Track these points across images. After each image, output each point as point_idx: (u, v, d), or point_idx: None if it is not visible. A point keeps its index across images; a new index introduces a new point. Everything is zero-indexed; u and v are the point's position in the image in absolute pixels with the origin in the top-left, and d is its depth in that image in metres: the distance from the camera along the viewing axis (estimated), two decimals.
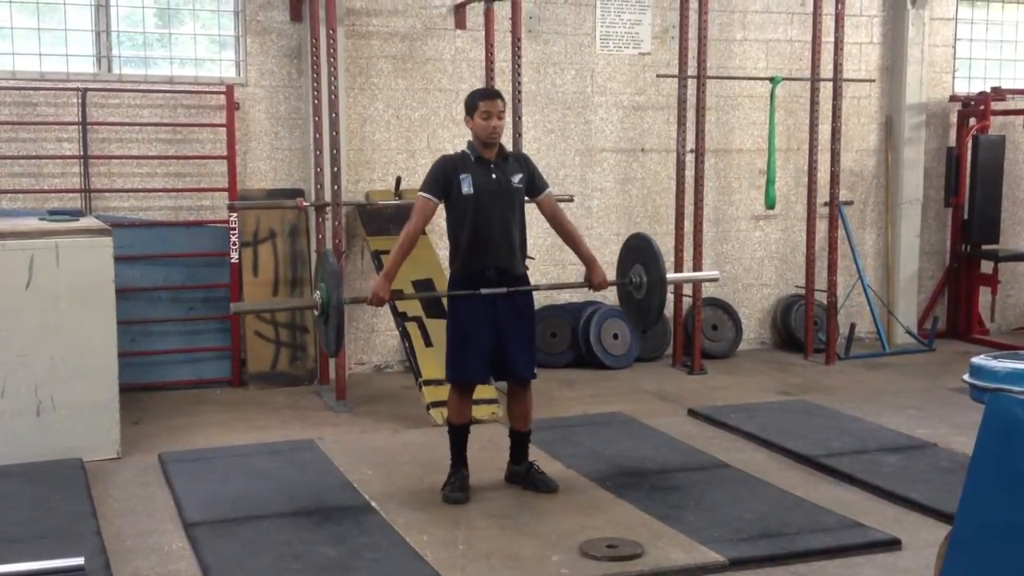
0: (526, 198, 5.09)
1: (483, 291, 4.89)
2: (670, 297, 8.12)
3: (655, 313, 5.24)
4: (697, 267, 7.85)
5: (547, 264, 8.01)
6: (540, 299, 7.79)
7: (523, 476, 5.14)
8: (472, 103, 4.95)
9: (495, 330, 4.93)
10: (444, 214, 5.06)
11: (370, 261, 7.34)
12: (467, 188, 4.87)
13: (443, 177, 4.92)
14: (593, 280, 5.18)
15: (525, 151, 7.16)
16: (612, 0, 8.15)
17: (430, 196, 4.90)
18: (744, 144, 8.60)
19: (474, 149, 4.96)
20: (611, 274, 5.41)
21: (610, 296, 8.32)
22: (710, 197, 8.27)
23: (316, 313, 4.92)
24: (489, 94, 5.04)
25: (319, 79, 6.86)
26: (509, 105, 7.15)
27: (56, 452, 5.40)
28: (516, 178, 4.98)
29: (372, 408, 6.75)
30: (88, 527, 4.52)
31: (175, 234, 7.26)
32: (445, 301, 5.26)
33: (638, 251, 5.27)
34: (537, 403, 5.58)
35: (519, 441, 5.19)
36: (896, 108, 8.93)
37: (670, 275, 5.23)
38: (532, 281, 5.26)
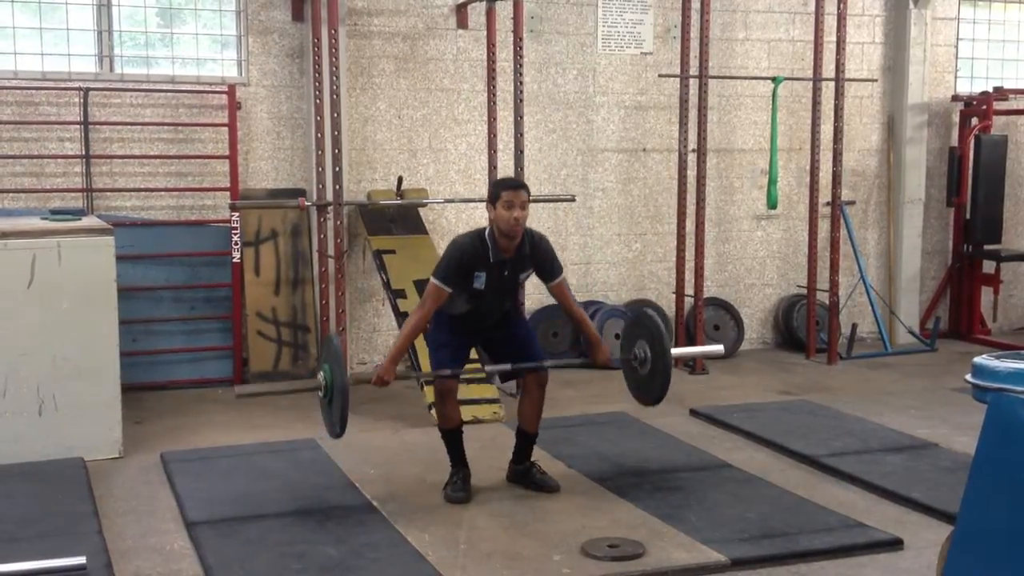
0: (540, 279, 5.12)
1: (487, 368, 5.11)
2: (672, 297, 8.13)
3: (659, 389, 5.13)
4: (699, 268, 7.84)
5: (544, 292, 7.99)
6: (541, 299, 7.79)
7: (525, 476, 5.14)
8: (495, 192, 4.82)
9: (490, 345, 5.10)
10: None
11: (371, 261, 7.34)
12: (479, 285, 4.87)
13: (462, 271, 4.84)
14: (597, 359, 5.19)
15: (526, 151, 7.16)
16: (614, 0, 8.15)
17: (444, 287, 4.82)
18: (746, 144, 8.60)
19: (494, 241, 4.85)
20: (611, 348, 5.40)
21: (611, 295, 8.34)
22: (712, 197, 8.26)
23: (320, 395, 4.87)
24: (513, 184, 4.91)
25: (321, 79, 6.86)
26: (511, 106, 7.18)
27: (58, 451, 5.41)
28: (523, 275, 5.03)
29: (373, 407, 6.74)
30: (90, 526, 4.53)
31: (177, 234, 7.26)
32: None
33: (643, 328, 5.19)
34: None
35: (525, 442, 5.18)
36: (898, 108, 8.93)
37: (674, 350, 5.21)
38: (533, 281, 5.28)
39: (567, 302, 5.17)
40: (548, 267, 5.04)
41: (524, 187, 4.89)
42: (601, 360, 5.18)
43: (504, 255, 4.86)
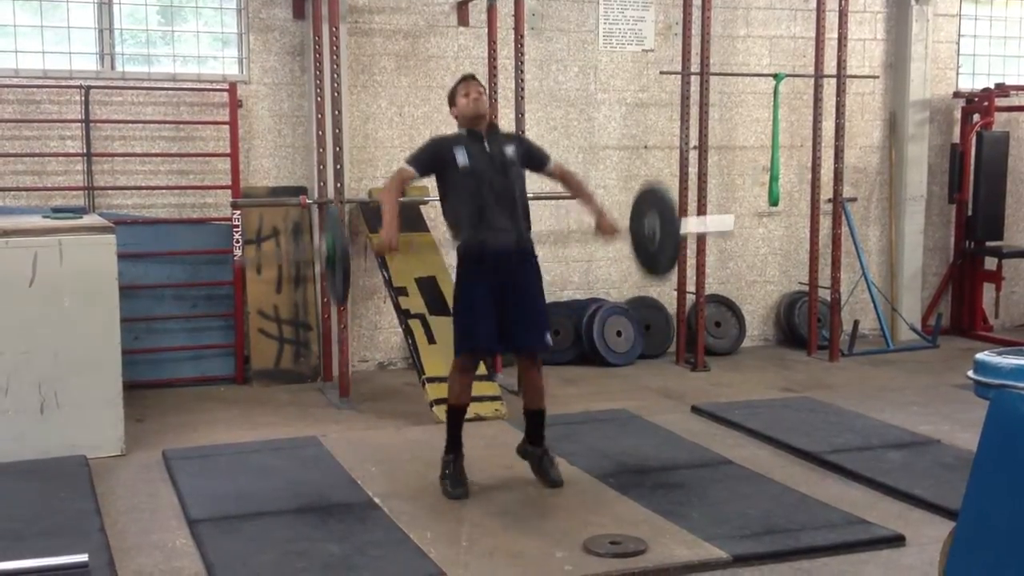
0: (537, 172, 5.14)
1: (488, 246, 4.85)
2: (673, 294, 8.13)
3: (666, 264, 5.20)
4: (701, 264, 7.84)
5: (550, 261, 8.01)
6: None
7: (536, 458, 5.11)
8: (452, 91, 5.07)
9: (501, 299, 4.87)
10: (440, 196, 5.10)
11: (373, 258, 7.34)
12: (463, 159, 4.88)
13: (431, 154, 4.98)
14: (603, 226, 5.15)
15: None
16: None
17: (410, 167, 4.94)
18: (747, 141, 8.59)
19: (463, 130, 5.01)
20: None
21: (613, 293, 8.34)
22: (713, 194, 8.26)
23: (324, 265, 4.96)
24: (464, 77, 5.09)
25: (322, 76, 6.86)
26: (512, 103, 7.18)
27: (60, 449, 5.41)
28: (509, 149, 4.99)
29: (375, 405, 6.75)
30: (92, 524, 4.53)
31: (178, 231, 7.26)
32: (451, 288, 5.23)
33: (652, 201, 5.21)
34: None
35: (535, 421, 5.11)
36: (900, 104, 8.92)
37: (684, 228, 5.23)
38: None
39: (570, 179, 5.24)
40: (536, 152, 5.16)
41: (475, 78, 5.09)
42: (607, 227, 5.16)
43: (478, 131, 4.95)
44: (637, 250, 5.26)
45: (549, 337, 5.08)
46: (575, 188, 5.30)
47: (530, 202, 5.09)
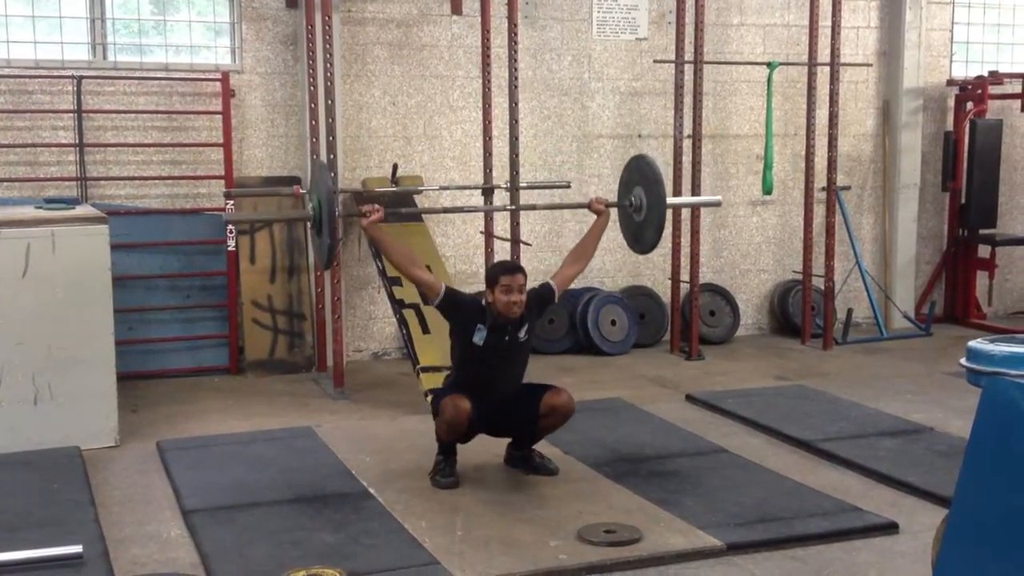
0: (555, 299, 5.12)
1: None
2: (667, 283, 8.14)
3: (652, 236, 5.23)
4: (695, 253, 7.84)
5: (544, 250, 8.01)
6: (536, 285, 7.79)
7: (524, 460, 5.14)
8: (493, 277, 4.91)
9: (495, 418, 4.99)
10: (451, 346, 5.11)
11: (367, 248, 7.33)
12: (478, 340, 4.87)
13: (461, 305, 4.95)
14: (592, 203, 5.26)
15: (521, 138, 7.14)
16: None
17: (441, 287, 4.90)
18: (741, 129, 8.59)
19: (492, 314, 4.89)
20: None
21: (607, 282, 8.33)
22: (707, 183, 8.25)
23: (310, 225, 4.94)
24: (510, 269, 4.97)
25: (315, 66, 6.84)
26: (506, 92, 7.16)
27: (54, 440, 5.40)
28: (522, 332, 4.97)
29: (370, 395, 6.75)
30: (86, 515, 4.53)
31: (171, 222, 7.25)
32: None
33: (639, 174, 5.24)
34: None
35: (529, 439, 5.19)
36: (893, 92, 8.92)
37: (669, 199, 5.27)
38: (528, 267, 5.28)
39: (576, 262, 5.20)
40: (546, 297, 5.07)
41: (521, 270, 4.94)
42: (596, 203, 5.24)
43: (503, 323, 4.89)
44: (623, 221, 5.30)
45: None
46: (589, 247, 5.24)
47: (524, 191, 5.11)
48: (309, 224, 4.96)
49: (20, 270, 5.39)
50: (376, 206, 4.90)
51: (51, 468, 5.13)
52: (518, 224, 7.05)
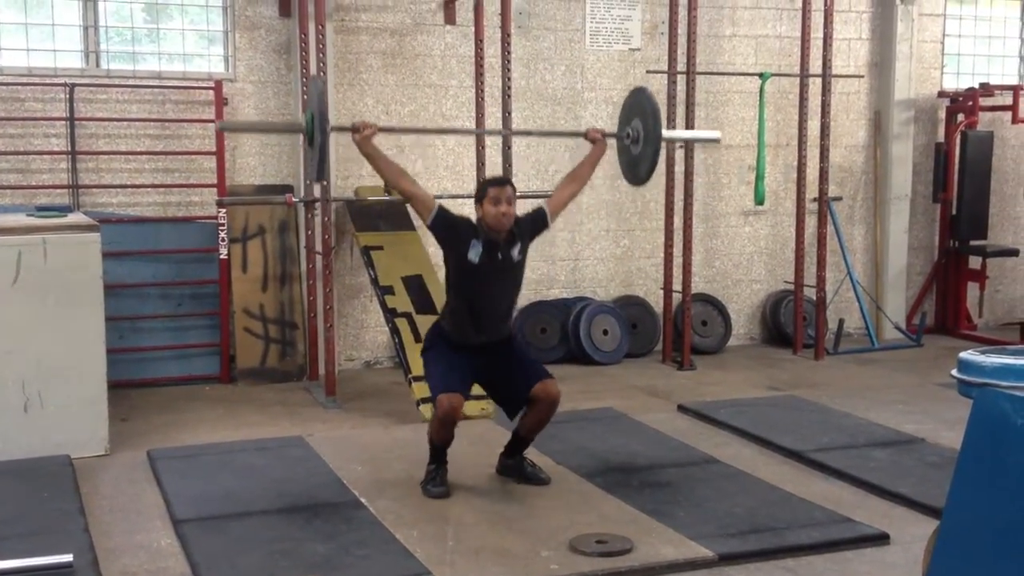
0: (549, 223, 5.15)
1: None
2: (659, 293, 8.15)
3: (647, 167, 5.25)
4: (687, 264, 7.85)
5: (536, 259, 8.01)
6: (530, 295, 7.81)
7: (516, 469, 5.14)
8: (482, 190, 4.96)
9: (486, 374, 5.00)
10: (445, 276, 5.11)
11: (359, 257, 7.32)
12: (473, 255, 4.87)
13: (455, 227, 4.94)
14: (589, 132, 5.30)
15: (514, 147, 7.16)
16: None
17: (435, 205, 4.92)
18: (733, 140, 8.61)
19: (484, 229, 4.92)
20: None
21: (599, 291, 8.34)
22: (699, 193, 8.27)
23: (303, 138, 5.02)
24: (498, 181, 5.01)
25: (308, 74, 6.84)
26: (499, 101, 7.17)
27: (44, 449, 5.38)
28: (516, 251, 4.98)
29: (361, 404, 6.74)
30: (76, 524, 4.51)
31: (164, 230, 7.24)
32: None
33: (637, 107, 5.27)
34: None
35: (519, 443, 5.17)
36: (885, 104, 8.95)
37: (668, 132, 5.31)
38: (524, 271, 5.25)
39: (572, 182, 5.25)
40: (537, 224, 5.11)
41: (509, 183, 5.00)
42: (591, 136, 5.28)
43: (496, 237, 4.91)
44: (620, 153, 5.34)
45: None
46: (584, 173, 5.29)
47: (517, 200, 5.11)
48: (302, 137, 5.05)
49: (11, 278, 5.37)
50: (369, 122, 4.92)
51: (41, 477, 5.11)
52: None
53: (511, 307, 5.14)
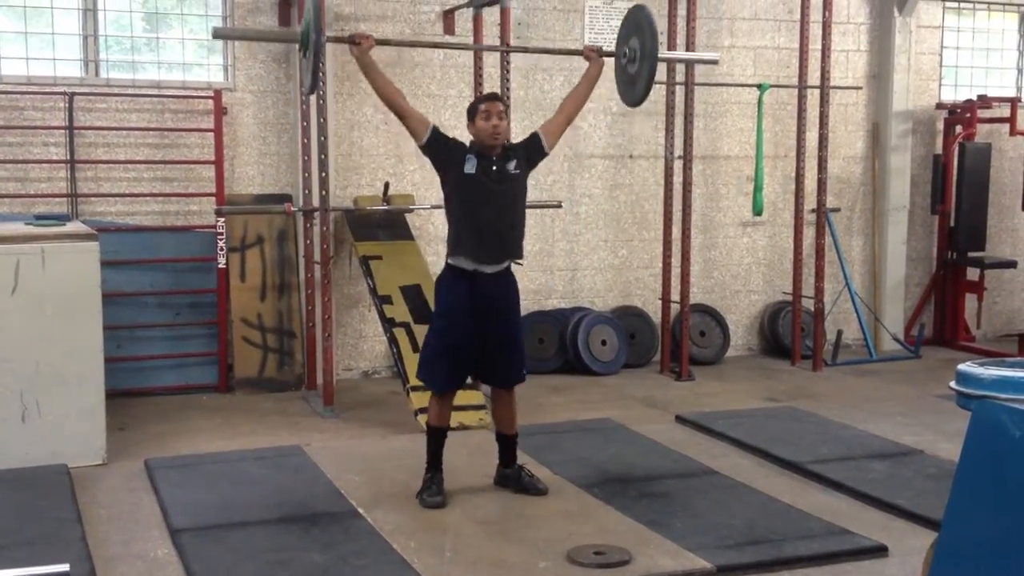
0: (544, 152, 5.15)
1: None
2: (658, 303, 8.15)
3: (643, 86, 5.24)
4: (685, 274, 7.86)
5: (535, 270, 8.03)
6: (528, 305, 7.80)
7: (513, 479, 5.14)
8: (473, 107, 5.03)
9: (480, 332, 4.93)
10: (444, 199, 5.11)
11: (358, 266, 7.32)
12: (469, 168, 4.90)
13: (449, 145, 5.00)
14: (585, 50, 5.35)
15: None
16: (600, 7, 8.17)
17: (429, 126, 4.96)
18: (732, 151, 8.62)
19: (477, 146, 4.99)
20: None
21: (598, 302, 8.34)
22: (698, 203, 8.28)
23: (298, 46, 5.08)
24: (489, 97, 5.11)
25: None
26: None
27: (41, 458, 5.37)
28: (512, 165, 5.01)
29: (359, 414, 6.73)
30: (73, 534, 4.50)
31: (162, 239, 7.24)
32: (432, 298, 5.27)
33: (635, 26, 5.27)
34: (524, 409, 5.59)
35: (507, 444, 5.20)
36: (883, 115, 8.97)
37: (665, 53, 5.31)
38: (520, 286, 5.25)
39: (567, 108, 5.23)
40: (533, 149, 5.13)
41: (500, 98, 5.08)
42: (587, 54, 5.31)
43: (489, 152, 4.95)
44: (617, 72, 5.36)
45: (524, 371, 5.16)
46: (581, 92, 5.28)
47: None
48: (298, 46, 5.07)
49: (9, 287, 5.37)
50: (367, 34, 4.95)
51: (38, 486, 5.10)
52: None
53: (513, 228, 5.01)
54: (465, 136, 5.10)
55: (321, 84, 6.62)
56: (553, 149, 5.19)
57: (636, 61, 5.23)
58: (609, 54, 5.43)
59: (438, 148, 4.98)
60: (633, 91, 5.34)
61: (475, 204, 4.91)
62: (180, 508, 4.84)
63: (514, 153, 5.05)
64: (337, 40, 5.20)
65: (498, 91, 7.15)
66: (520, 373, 5.11)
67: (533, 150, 5.13)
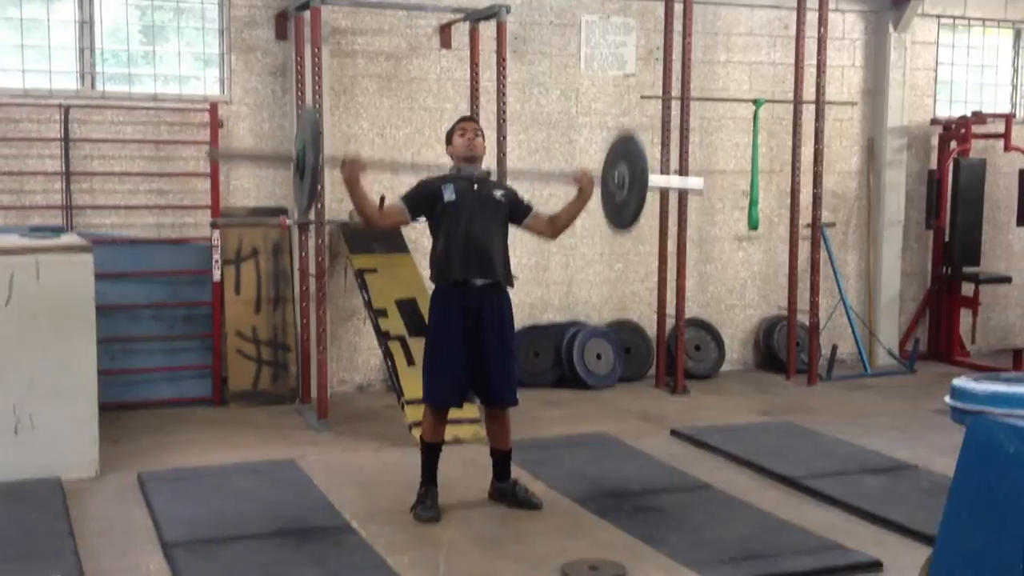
0: (519, 222, 5.16)
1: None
2: (653, 317, 8.15)
3: (632, 213, 5.21)
4: (681, 288, 7.86)
5: (530, 283, 8.02)
6: (523, 319, 7.79)
7: (508, 494, 5.13)
8: (450, 131, 5.15)
9: (474, 351, 4.96)
10: (432, 234, 5.14)
11: (353, 279, 7.31)
12: (449, 195, 4.96)
13: (421, 191, 5.06)
14: (580, 176, 5.24)
15: (509, 170, 7.16)
16: (597, 21, 8.19)
17: (404, 207, 5.03)
18: (727, 165, 8.64)
19: (454, 171, 5.08)
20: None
21: (593, 316, 8.34)
22: (693, 218, 8.29)
23: (293, 168, 5.06)
24: (463, 118, 5.27)
25: (303, 97, 6.86)
26: (494, 125, 7.19)
27: (34, 471, 5.35)
28: (498, 193, 5.10)
29: (354, 427, 6.72)
30: (66, 547, 4.48)
31: (157, 251, 7.23)
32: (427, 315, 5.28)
33: (624, 153, 5.26)
34: (520, 423, 5.58)
35: (501, 460, 5.20)
36: (878, 131, 9.00)
37: (653, 177, 5.29)
38: (514, 300, 5.25)
39: (555, 220, 5.22)
40: (519, 204, 5.16)
41: (475, 119, 5.23)
42: (580, 177, 5.22)
43: (469, 171, 5.01)
44: (605, 199, 5.33)
45: (516, 395, 5.17)
46: (567, 215, 5.25)
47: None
48: (293, 167, 5.10)
49: (3, 298, 5.36)
50: (359, 160, 4.97)
51: (31, 499, 5.08)
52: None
53: (497, 248, 5.01)
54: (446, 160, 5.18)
55: (317, 97, 6.64)
56: (519, 229, 5.24)
57: (624, 188, 5.17)
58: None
59: (420, 204, 5.05)
60: (622, 219, 5.30)
61: (459, 220, 4.95)
62: (173, 522, 4.82)
63: (503, 188, 5.17)
64: (330, 161, 5.25)
65: (496, 105, 7.18)
66: (513, 394, 5.11)
67: (517, 208, 5.16)
